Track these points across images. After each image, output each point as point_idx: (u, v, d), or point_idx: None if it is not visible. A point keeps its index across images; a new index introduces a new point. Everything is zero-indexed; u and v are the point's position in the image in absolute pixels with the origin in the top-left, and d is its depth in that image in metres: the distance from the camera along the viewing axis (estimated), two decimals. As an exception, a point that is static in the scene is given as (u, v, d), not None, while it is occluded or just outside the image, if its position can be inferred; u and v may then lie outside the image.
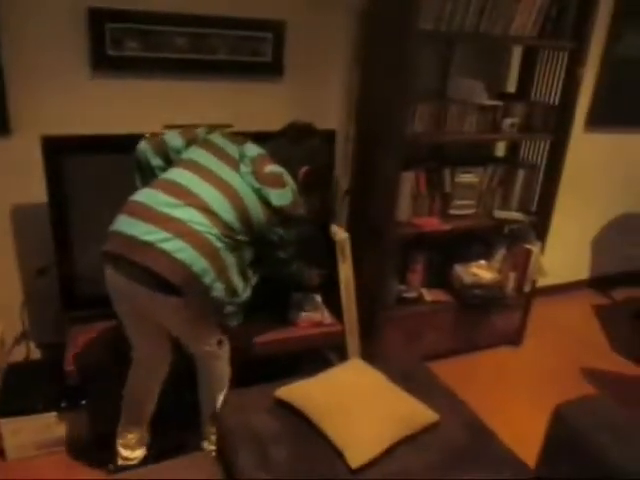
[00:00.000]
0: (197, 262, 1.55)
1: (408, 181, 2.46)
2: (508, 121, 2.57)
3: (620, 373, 2.81)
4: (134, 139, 1.81)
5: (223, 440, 1.68)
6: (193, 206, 1.60)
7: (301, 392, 1.80)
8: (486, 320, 2.81)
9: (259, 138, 1.84)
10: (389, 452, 1.59)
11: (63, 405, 2.01)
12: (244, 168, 1.72)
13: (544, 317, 3.10)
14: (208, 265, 1.57)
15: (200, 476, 1.60)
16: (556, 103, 2.68)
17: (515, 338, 2.95)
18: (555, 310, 3.30)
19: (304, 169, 1.84)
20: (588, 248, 3.65)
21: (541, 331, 3.02)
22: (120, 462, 1.93)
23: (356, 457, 1.52)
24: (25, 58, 1.98)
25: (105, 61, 2.07)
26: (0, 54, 1.92)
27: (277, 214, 1.73)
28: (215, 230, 1.60)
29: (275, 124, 1.94)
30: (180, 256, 1.52)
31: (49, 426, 2.01)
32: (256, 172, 1.71)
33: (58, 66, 2.03)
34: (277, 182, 1.72)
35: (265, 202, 1.70)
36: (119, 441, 1.92)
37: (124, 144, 1.83)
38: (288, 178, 1.76)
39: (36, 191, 2.01)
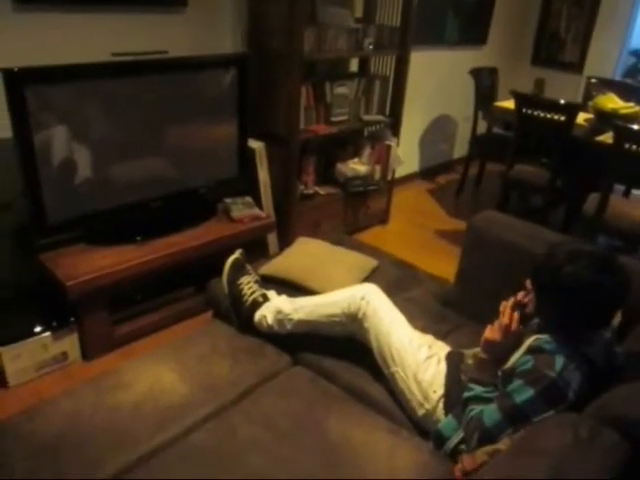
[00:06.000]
0: None
1: (302, 94, 2.93)
2: (367, 40, 3.17)
3: (456, 229, 3.80)
4: (99, 68, 1.97)
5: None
6: None
7: (279, 266, 2.27)
8: (365, 205, 3.52)
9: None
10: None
11: (54, 325, 2.18)
12: None
13: (397, 201, 3.93)
14: None
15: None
16: (397, 25, 3.35)
17: (384, 218, 3.73)
18: (402, 195, 4.17)
19: None
20: (417, 145, 4.58)
21: (398, 211, 3.86)
22: None
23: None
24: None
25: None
26: None
27: None
28: None
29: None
30: None
31: (45, 346, 2.16)
32: None
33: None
34: None
35: None
36: None
37: (87, 73, 1.97)
38: None
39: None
